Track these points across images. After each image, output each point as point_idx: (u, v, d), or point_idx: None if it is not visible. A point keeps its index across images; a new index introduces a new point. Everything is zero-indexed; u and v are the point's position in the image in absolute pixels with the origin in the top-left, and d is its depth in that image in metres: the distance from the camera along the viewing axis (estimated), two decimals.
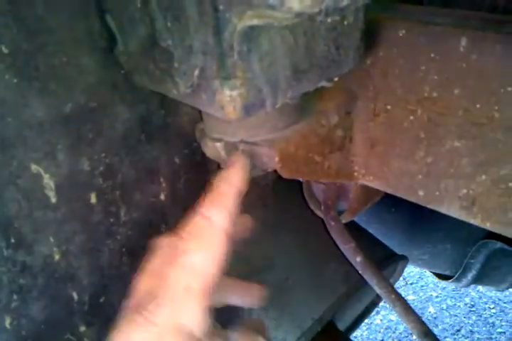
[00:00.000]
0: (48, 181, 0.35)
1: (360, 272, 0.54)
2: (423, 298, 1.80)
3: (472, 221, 0.45)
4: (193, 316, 0.33)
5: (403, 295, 1.70)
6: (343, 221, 0.56)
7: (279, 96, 0.33)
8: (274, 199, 0.67)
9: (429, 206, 0.47)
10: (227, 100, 0.30)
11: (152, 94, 0.40)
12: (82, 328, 0.41)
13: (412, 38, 0.42)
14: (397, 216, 0.95)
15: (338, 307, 0.62)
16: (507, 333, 1.71)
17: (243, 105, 0.30)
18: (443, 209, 0.46)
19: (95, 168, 0.38)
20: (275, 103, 0.33)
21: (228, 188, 0.36)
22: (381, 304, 1.78)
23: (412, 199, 0.48)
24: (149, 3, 0.30)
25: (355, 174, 0.49)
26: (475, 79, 0.40)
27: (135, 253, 0.43)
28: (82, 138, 0.36)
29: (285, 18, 0.27)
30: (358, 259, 0.52)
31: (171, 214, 0.45)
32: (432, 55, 0.41)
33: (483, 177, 0.42)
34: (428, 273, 1.96)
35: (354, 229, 0.75)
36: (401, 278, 1.89)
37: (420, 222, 0.96)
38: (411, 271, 1.93)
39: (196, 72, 0.30)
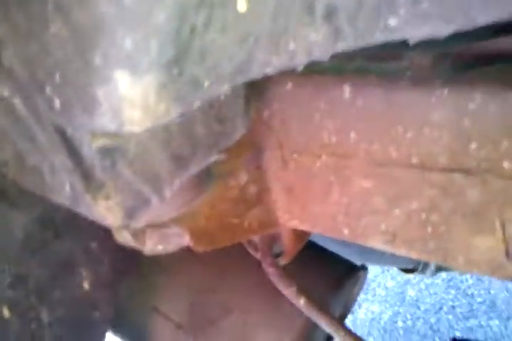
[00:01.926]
0: None
1: (305, 314, 0.54)
2: (401, 282, 1.83)
3: (398, 252, 0.45)
4: None
5: (382, 282, 1.72)
6: (281, 263, 0.56)
7: (164, 190, 0.32)
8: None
9: (356, 242, 0.47)
10: (105, 211, 0.29)
11: None
12: None
13: (300, 91, 0.42)
14: None
15: (302, 335, 0.62)
16: (486, 301, 1.76)
17: (124, 212, 0.30)
18: (369, 244, 0.47)
19: (1, 280, 0.37)
20: (162, 198, 0.32)
21: None
22: (363, 296, 1.81)
23: (340, 237, 0.48)
24: (7, 131, 0.29)
25: (280, 220, 0.49)
26: (366, 122, 0.40)
27: None
28: None
29: (136, 136, 0.26)
30: (302, 302, 0.53)
31: (100, 300, 0.44)
32: (322, 105, 0.41)
33: (397, 211, 0.43)
34: None
35: (310, 249, 0.75)
36: (377, 267, 1.92)
37: None
38: None
39: (67, 188, 0.30)
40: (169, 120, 0.25)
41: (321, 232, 0.49)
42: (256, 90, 0.42)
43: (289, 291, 0.53)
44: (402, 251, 0.45)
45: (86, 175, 0.28)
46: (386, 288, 1.81)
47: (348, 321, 1.77)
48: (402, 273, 1.92)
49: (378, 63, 0.40)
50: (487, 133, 0.36)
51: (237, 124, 0.37)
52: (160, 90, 0.21)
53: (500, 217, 0.39)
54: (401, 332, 1.65)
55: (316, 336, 0.77)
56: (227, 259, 0.66)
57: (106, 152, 0.27)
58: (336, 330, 0.52)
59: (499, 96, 0.34)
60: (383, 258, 1.02)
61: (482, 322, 1.68)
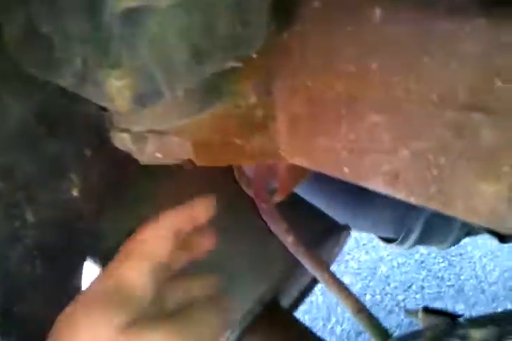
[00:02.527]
0: None
1: (292, 252, 0.53)
2: (375, 257, 1.85)
3: (398, 196, 0.44)
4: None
5: (356, 256, 1.75)
6: (275, 200, 0.55)
7: (177, 83, 0.30)
8: (207, 181, 0.65)
9: (355, 182, 0.46)
10: (115, 92, 0.27)
11: (50, 83, 0.37)
12: None
13: (326, 11, 0.40)
14: (338, 186, 0.96)
15: (280, 285, 0.62)
16: (455, 285, 1.80)
17: (134, 96, 0.28)
18: (370, 186, 0.45)
19: None
20: (174, 90, 0.30)
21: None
22: (335, 267, 1.83)
23: (339, 176, 0.47)
24: None
25: (281, 153, 0.47)
26: (391, 51, 0.39)
27: (49, 256, 0.40)
28: None
29: (159, 11, 0.24)
30: (289, 240, 0.52)
31: (87, 211, 0.43)
32: (348, 28, 0.39)
33: (404, 151, 0.42)
34: None
35: (294, 201, 0.74)
36: (353, 240, 1.94)
37: (360, 190, 0.96)
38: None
39: (78, 62, 0.27)
40: None
41: (321, 169, 0.47)
42: (280, 7, 0.39)
43: (278, 228, 0.52)
44: (402, 195, 0.44)
45: (102, 46, 0.26)
46: (359, 261, 1.83)
47: (319, 289, 1.80)
48: (377, 250, 1.95)
49: None
50: None
51: (258, 32, 0.35)
52: None
53: (511, 162, 0.38)
54: (368, 305, 1.67)
55: (291, 289, 0.77)
56: (216, 199, 0.65)
57: (129, 18, 0.25)
58: (321, 272, 0.51)
59: None
60: (365, 224, 1.03)
61: (448, 305, 1.72)
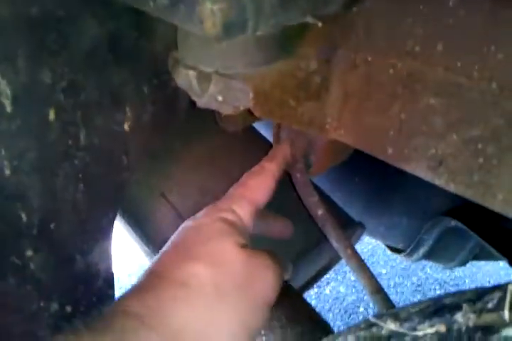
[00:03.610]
0: (5, 88, 0.32)
1: (319, 225, 0.53)
2: (373, 273, 1.84)
3: (437, 181, 0.45)
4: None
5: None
6: (310, 176, 0.56)
7: (261, 21, 0.31)
8: (241, 151, 0.66)
9: (396, 164, 0.47)
10: (207, 14, 0.28)
11: (126, 12, 0.38)
12: (29, 253, 0.39)
13: None
14: (358, 186, 0.96)
15: (294, 265, 0.62)
16: None
17: (224, 21, 0.28)
18: (409, 168, 0.46)
19: (57, 81, 0.36)
20: (257, 27, 0.31)
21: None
22: (332, 276, 1.83)
23: (381, 156, 0.47)
24: None
25: (327, 127, 0.48)
26: (460, 36, 0.39)
27: (92, 182, 0.41)
28: (46, 48, 0.34)
29: None
30: (319, 213, 0.52)
31: (132, 146, 0.44)
32: (421, 7, 0.40)
33: (454, 137, 0.42)
34: (379, 251, 2.01)
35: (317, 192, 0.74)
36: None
37: (380, 193, 0.97)
38: (363, 247, 1.98)
39: None
40: None
41: (364, 147, 0.48)
42: None
43: (310, 200, 0.53)
44: (441, 181, 0.44)
45: None
46: None
47: (313, 293, 1.79)
48: (376, 267, 1.94)
49: None
50: None
51: None
52: None
53: None
54: (360, 317, 1.66)
55: (301, 273, 0.77)
56: (246, 170, 0.65)
57: None
58: (344, 247, 0.51)
59: None
60: (378, 228, 1.03)
61: None
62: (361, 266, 0.53)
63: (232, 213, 0.45)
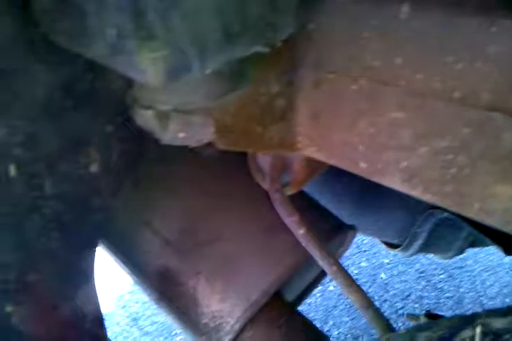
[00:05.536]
0: None
1: (303, 245, 0.53)
2: (375, 264, 1.85)
3: (413, 193, 0.44)
4: None
5: (356, 262, 1.74)
6: (288, 193, 0.55)
7: (207, 61, 0.30)
8: (221, 169, 0.65)
9: (371, 178, 0.46)
10: (148, 64, 0.27)
11: (78, 55, 0.37)
12: (9, 308, 0.39)
13: (353, 4, 0.40)
14: (348, 186, 0.96)
15: (286, 278, 0.62)
16: (454, 297, 1.79)
17: (166, 69, 0.28)
18: (385, 182, 0.46)
19: (13, 136, 0.35)
20: (204, 67, 0.30)
21: None
22: None
23: (355, 171, 0.47)
24: None
25: (298, 145, 0.48)
26: (417, 48, 0.39)
27: (66, 229, 0.41)
28: None
29: None
30: (301, 232, 0.52)
31: (105, 186, 0.43)
32: (374, 22, 0.40)
33: (424, 149, 0.42)
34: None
35: (303, 200, 0.74)
36: (354, 246, 1.94)
37: (370, 191, 0.96)
38: (364, 238, 1.98)
39: (112, 32, 0.28)
40: None
41: (337, 163, 0.47)
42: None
43: (290, 220, 0.52)
44: (417, 192, 0.44)
45: (137, 17, 0.26)
46: (359, 267, 1.82)
47: (317, 291, 1.79)
48: (378, 257, 1.95)
49: None
50: None
51: (287, 21, 0.36)
52: None
53: None
54: None
55: (295, 284, 0.77)
56: (228, 188, 0.65)
57: None
58: (329, 264, 0.51)
59: None
60: (371, 227, 1.02)
61: (446, 316, 1.71)
62: (348, 281, 0.53)
63: None
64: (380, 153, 0.44)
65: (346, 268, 1.80)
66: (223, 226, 0.61)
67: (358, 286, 0.54)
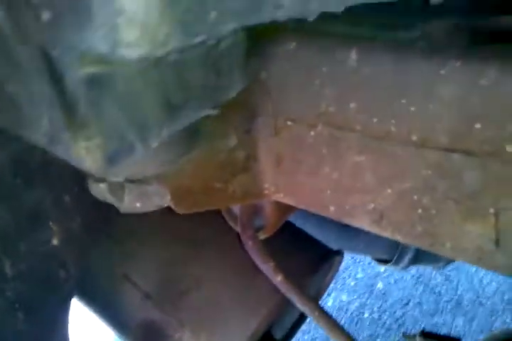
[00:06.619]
0: None
1: (282, 291, 0.52)
2: (371, 274, 1.84)
3: (384, 234, 0.44)
4: None
5: (353, 273, 1.73)
6: (261, 237, 0.54)
7: (150, 139, 0.30)
8: (193, 214, 0.64)
9: (341, 221, 0.46)
10: (84, 153, 0.26)
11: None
12: None
13: (303, 52, 0.40)
14: None
15: (271, 319, 0.61)
16: (452, 301, 1.79)
17: (104, 156, 0.27)
18: (356, 224, 0.45)
19: None
20: (147, 146, 0.30)
21: None
22: (331, 286, 1.82)
23: (325, 214, 0.46)
24: None
25: (266, 192, 0.47)
26: (369, 92, 0.38)
27: (31, 308, 0.39)
28: None
29: (126, 67, 0.23)
30: (279, 279, 0.51)
31: (69, 257, 0.42)
32: (324, 70, 0.39)
33: (389, 191, 0.41)
34: None
35: (287, 231, 0.73)
36: (349, 257, 1.93)
37: None
38: None
39: (45, 122, 0.27)
40: (166, 52, 0.23)
41: (306, 207, 0.47)
42: (257, 48, 0.39)
43: (266, 267, 0.52)
44: (387, 233, 0.43)
45: (68, 109, 0.25)
46: (356, 278, 1.82)
47: None
48: (373, 266, 1.94)
49: (388, 31, 0.38)
50: (495, 113, 0.34)
51: (234, 79, 0.35)
52: (163, 9, 0.18)
53: (496, 203, 0.37)
54: (367, 323, 1.66)
55: (284, 321, 0.76)
56: (203, 234, 0.64)
57: (93, 81, 0.24)
58: (311, 310, 0.50)
59: None
60: (358, 246, 1.02)
61: (447, 320, 1.71)
62: (332, 325, 0.52)
63: None
64: (346, 197, 0.44)
65: (343, 280, 1.79)
66: (201, 274, 0.60)
67: (342, 328, 0.53)
